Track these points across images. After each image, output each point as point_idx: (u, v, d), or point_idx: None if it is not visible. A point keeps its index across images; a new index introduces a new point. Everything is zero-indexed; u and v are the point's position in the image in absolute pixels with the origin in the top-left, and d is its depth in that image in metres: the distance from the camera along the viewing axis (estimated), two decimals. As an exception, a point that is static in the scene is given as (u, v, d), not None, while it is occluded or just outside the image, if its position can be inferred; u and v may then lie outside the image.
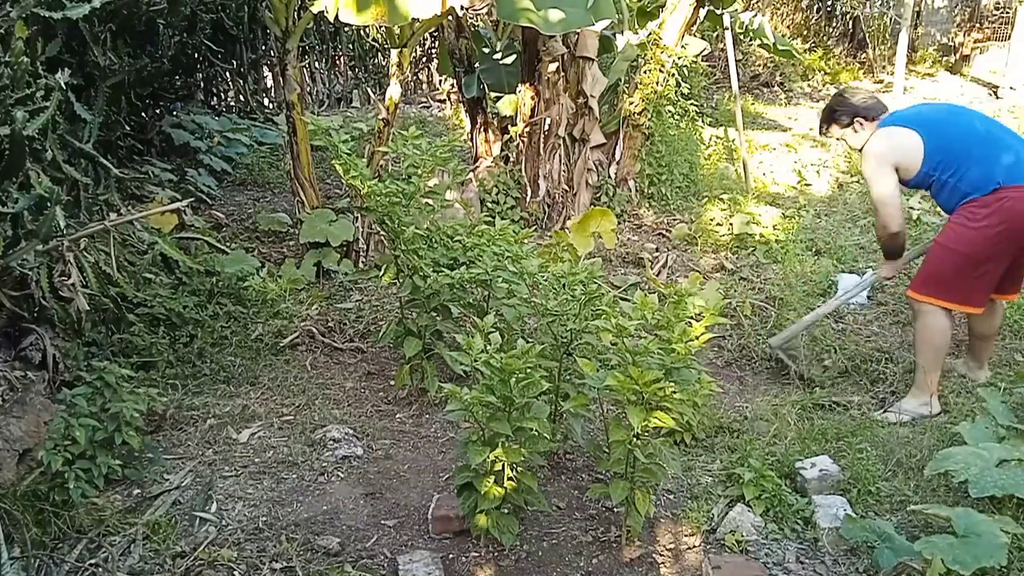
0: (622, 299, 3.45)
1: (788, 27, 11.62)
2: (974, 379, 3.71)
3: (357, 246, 4.90)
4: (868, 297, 3.98)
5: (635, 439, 2.49)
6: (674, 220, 6.08)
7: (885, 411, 3.50)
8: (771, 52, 7.45)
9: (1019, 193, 3.22)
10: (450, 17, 5.35)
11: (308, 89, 8.70)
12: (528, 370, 2.44)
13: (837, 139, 3.69)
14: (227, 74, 7.79)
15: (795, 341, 3.93)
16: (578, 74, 5.73)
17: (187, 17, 5.03)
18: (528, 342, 2.63)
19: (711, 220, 5.92)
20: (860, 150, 3.56)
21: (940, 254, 3.41)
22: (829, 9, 12.18)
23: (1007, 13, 11.44)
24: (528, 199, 5.81)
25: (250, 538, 2.71)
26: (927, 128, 3.38)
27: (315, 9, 4.30)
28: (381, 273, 3.66)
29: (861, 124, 3.53)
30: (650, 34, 6.02)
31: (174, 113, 6.37)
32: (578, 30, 5.37)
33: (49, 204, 2.92)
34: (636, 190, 6.23)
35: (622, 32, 6.31)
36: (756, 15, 7.35)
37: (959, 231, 3.34)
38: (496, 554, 2.65)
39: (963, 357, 3.85)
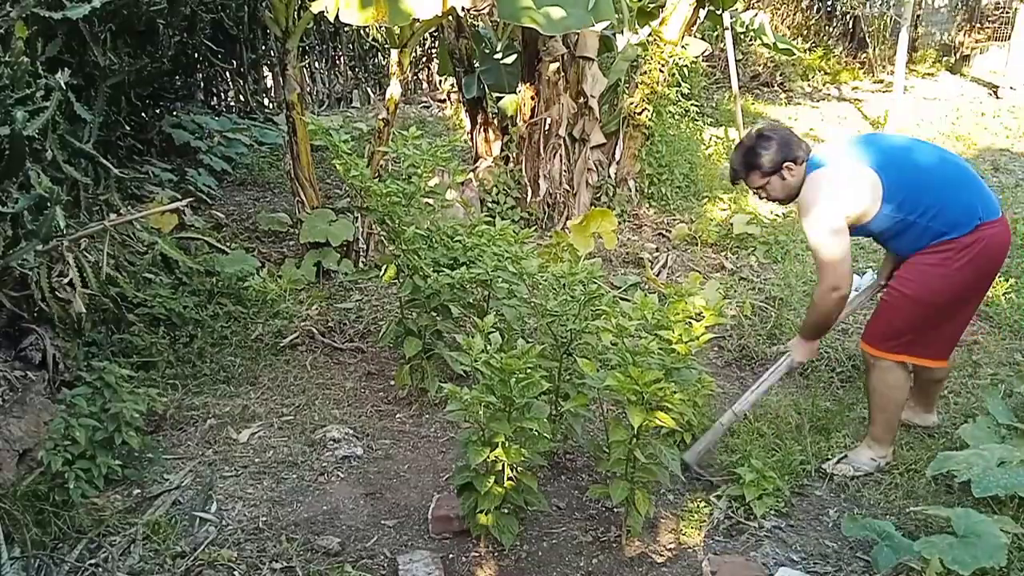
0: (622, 299, 3.45)
1: (788, 27, 11.62)
2: (923, 424, 3.34)
3: (357, 246, 4.89)
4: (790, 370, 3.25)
5: (635, 439, 2.49)
6: (674, 220, 6.09)
7: (837, 463, 3.10)
8: (772, 51, 7.44)
9: (998, 227, 2.79)
10: (450, 17, 5.35)
11: (308, 89, 8.70)
12: (528, 370, 2.43)
13: (755, 190, 3.02)
14: (227, 74, 7.79)
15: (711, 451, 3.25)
16: (578, 74, 5.73)
17: (187, 17, 5.02)
18: (528, 342, 2.63)
19: (711, 220, 5.92)
20: (785, 201, 3.01)
21: (905, 305, 2.86)
22: (829, 9, 12.18)
23: (1007, 13, 11.45)
24: (528, 199, 5.81)
25: (250, 538, 2.71)
26: (880, 162, 2.82)
27: (315, 9, 4.30)
28: (381, 273, 3.67)
29: (790, 169, 2.90)
30: (650, 34, 6.02)
31: (174, 113, 6.37)
32: (578, 30, 5.37)
33: (49, 204, 2.92)
34: (636, 190, 6.23)
35: (622, 32, 6.31)
36: (756, 15, 7.35)
37: (932, 277, 2.80)
38: (496, 554, 2.65)
39: (910, 401, 3.29)
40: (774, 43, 7.27)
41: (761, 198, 3.05)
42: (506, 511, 2.59)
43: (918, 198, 2.77)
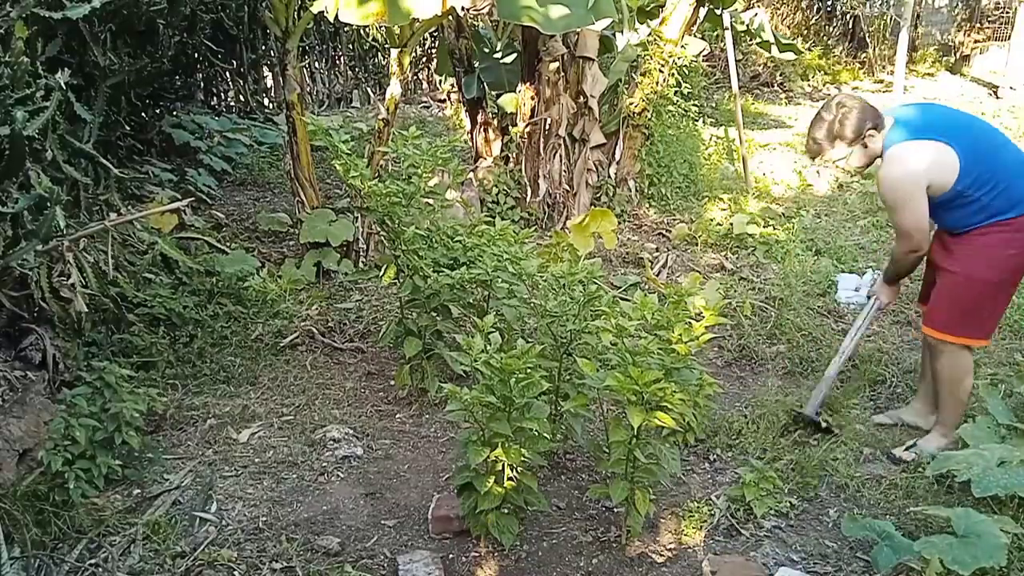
0: (622, 299, 3.45)
1: (788, 27, 11.63)
2: (928, 427, 3.30)
3: (357, 246, 4.89)
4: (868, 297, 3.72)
5: (635, 439, 2.49)
6: (674, 220, 6.09)
7: (906, 449, 3.18)
8: (779, 49, 7.43)
9: None
10: (450, 17, 5.35)
11: (308, 89, 8.70)
12: (528, 370, 2.43)
13: (835, 163, 3.06)
14: (227, 74, 7.79)
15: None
16: (578, 74, 5.73)
17: (187, 17, 5.02)
18: (528, 342, 2.63)
19: (711, 220, 5.92)
20: (862, 169, 3.07)
21: (969, 285, 2.93)
22: (829, 9, 12.19)
23: (1007, 13, 11.45)
24: (528, 199, 5.81)
25: (250, 538, 2.71)
26: (957, 139, 2.84)
27: (315, 9, 4.30)
28: (381, 273, 3.67)
29: (872, 137, 2.93)
30: (650, 34, 6.02)
31: (174, 113, 6.37)
32: (578, 30, 5.37)
33: (49, 204, 2.92)
34: (636, 190, 6.23)
35: (622, 32, 6.31)
36: (756, 14, 7.35)
37: (989, 257, 2.88)
38: (496, 554, 2.65)
39: (914, 404, 3.43)
40: (776, 41, 7.26)
41: (838, 167, 3.14)
42: (506, 511, 2.59)
43: (988, 177, 2.83)
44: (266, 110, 8.10)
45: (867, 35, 11.96)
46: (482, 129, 5.91)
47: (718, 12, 6.68)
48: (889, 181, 2.90)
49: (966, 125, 2.99)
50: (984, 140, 2.92)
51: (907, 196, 2.87)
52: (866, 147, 2.95)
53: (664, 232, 5.88)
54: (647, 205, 6.27)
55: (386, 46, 8.57)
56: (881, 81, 11.28)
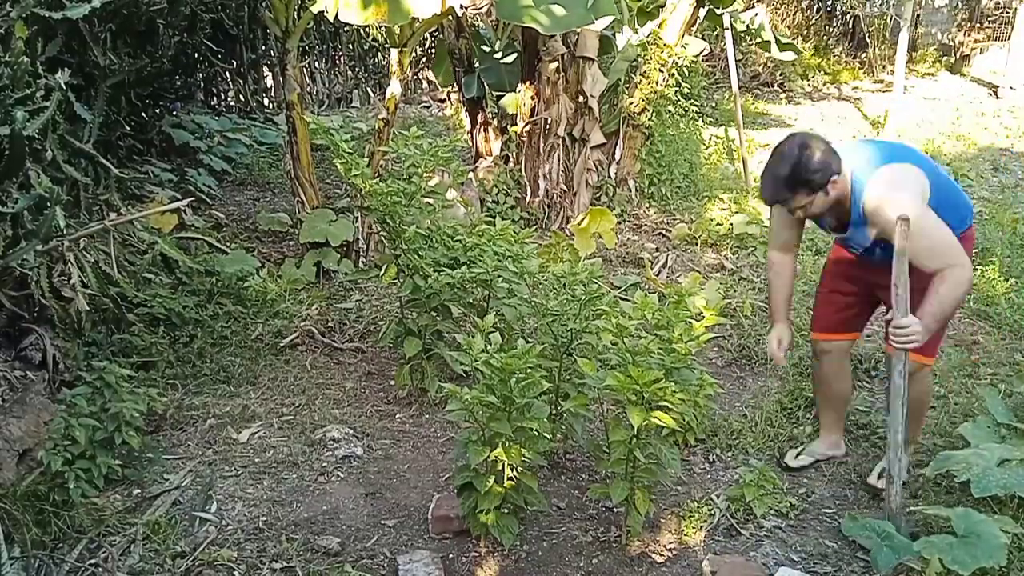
0: (622, 299, 3.45)
1: (788, 27, 11.62)
2: (839, 456, 3.19)
3: (357, 246, 4.89)
4: None
5: (635, 439, 2.49)
6: (674, 220, 6.08)
7: (879, 478, 2.98)
8: (779, 48, 7.42)
9: (973, 233, 2.80)
10: (450, 17, 5.35)
11: (308, 89, 8.70)
12: (528, 370, 2.44)
13: (794, 210, 2.65)
14: (227, 74, 7.79)
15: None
16: (578, 74, 5.73)
17: (187, 17, 5.01)
18: (528, 342, 2.63)
19: (711, 220, 5.92)
20: (820, 213, 2.66)
21: None
22: (829, 9, 12.19)
23: (1007, 13, 11.45)
24: (528, 199, 5.81)
25: (250, 538, 2.71)
26: (913, 160, 2.67)
27: (315, 9, 4.30)
28: (381, 273, 3.67)
29: (835, 183, 2.56)
30: (650, 34, 6.02)
31: (174, 113, 6.37)
32: (578, 29, 5.36)
33: (49, 204, 2.92)
34: (636, 190, 6.23)
35: (622, 32, 6.31)
36: (756, 14, 7.35)
37: None
38: (496, 554, 2.65)
39: (828, 436, 3.20)
40: (776, 41, 7.26)
41: (795, 215, 2.70)
42: (506, 511, 2.59)
43: (943, 195, 2.65)
44: (266, 110, 8.09)
45: (867, 35, 11.96)
46: (482, 129, 5.91)
47: (718, 12, 6.68)
48: (897, 209, 2.46)
49: (908, 149, 2.80)
50: (926, 161, 2.73)
51: (927, 218, 2.50)
52: (827, 195, 2.58)
53: (664, 232, 5.88)
54: (647, 205, 6.27)
55: (386, 46, 8.57)
56: (881, 81, 11.28)
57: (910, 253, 2.45)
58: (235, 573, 2.54)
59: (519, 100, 5.72)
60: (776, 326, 2.99)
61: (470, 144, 6.16)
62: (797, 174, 2.53)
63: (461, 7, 4.34)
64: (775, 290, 3.05)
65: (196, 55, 6.21)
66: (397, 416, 3.57)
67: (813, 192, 2.56)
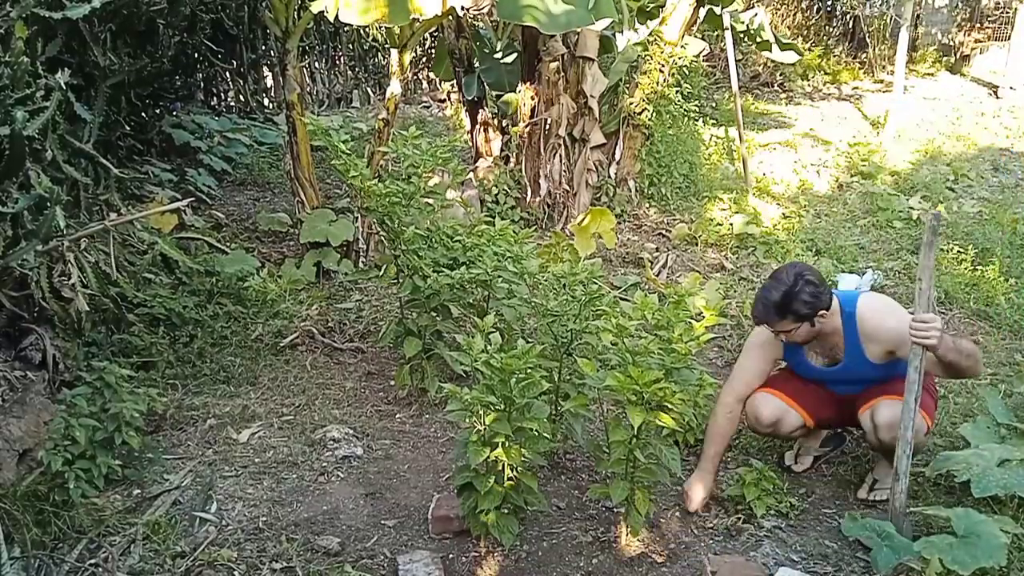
0: (622, 299, 3.45)
1: (788, 27, 11.62)
2: (840, 445, 3.26)
3: (357, 246, 4.89)
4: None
5: (635, 439, 2.49)
6: (674, 220, 6.09)
7: (871, 491, 2.99)
8: (779, 48, 7.43)
9: None
10: (450, 17, 5.35)
11: (308, 89, 8.70)
12: (528, 370, 2.43)
13: (777, 332, 2.80)
14: (227, 74, 7.79)
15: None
16: (578, 74, 5.73)
17: (187, 17, 5.01)
18: (528, 342, 2.63)
19: (711, 220, 5.92)
20: (804, 341, 2.83)
21: (928, 388, 2.84)
22: (829, 9, 12.18)
23: (1007, 13, 11.44)
24: (528, 199, 5.81)
25: (250, 538, 2.71)
26: None
27: (315, 9, 4.30)
28: (381, 273, 3.67)
29: (823, 317, 2.72)
30: (650, 34, 6.02)
31: (174, 113, 6.36)
32: (578, 30, 5.36)
33: (49, 204, 2.92)
34: (636, 190, 6.23)
35: (622, 32, 6.31)
36: (756, 14, 7.35)
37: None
38: (496, 554, 2.65)
39: (819, 433, 3.19)
40: (776, 41, 7.26)
41: (778, 338, 2.84)
42: (506, 511, 2.59)
43: None
44: (266, 110, 8.09)
45: (867, 35, 11.95)
46: (482, 129, 5.91)
47: (718, 12, 6.68)
48: (901, 319, 2.62)
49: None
50: None
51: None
52: (813, 326, 2.73)
53: (664, 232, 5.88)
54: (647, 205, 6.27)
55: (386, 46, 8.57)
56: (881, 81, 11.27)
57: (933, 360, 2.58)
58: (235, 573, 2.54)
59: (519, 100, 5.73)
60: (704, 475, 2.90)
61: (470, 144, 6.16)
62: (787, 302, 2.68)
63: (461, 7, 4.34)
64: (718, 437, 2.92)
65: (196, 55, 6.21)
66: (397, 416, 3.57)
67: (800, 321, 2.71)
